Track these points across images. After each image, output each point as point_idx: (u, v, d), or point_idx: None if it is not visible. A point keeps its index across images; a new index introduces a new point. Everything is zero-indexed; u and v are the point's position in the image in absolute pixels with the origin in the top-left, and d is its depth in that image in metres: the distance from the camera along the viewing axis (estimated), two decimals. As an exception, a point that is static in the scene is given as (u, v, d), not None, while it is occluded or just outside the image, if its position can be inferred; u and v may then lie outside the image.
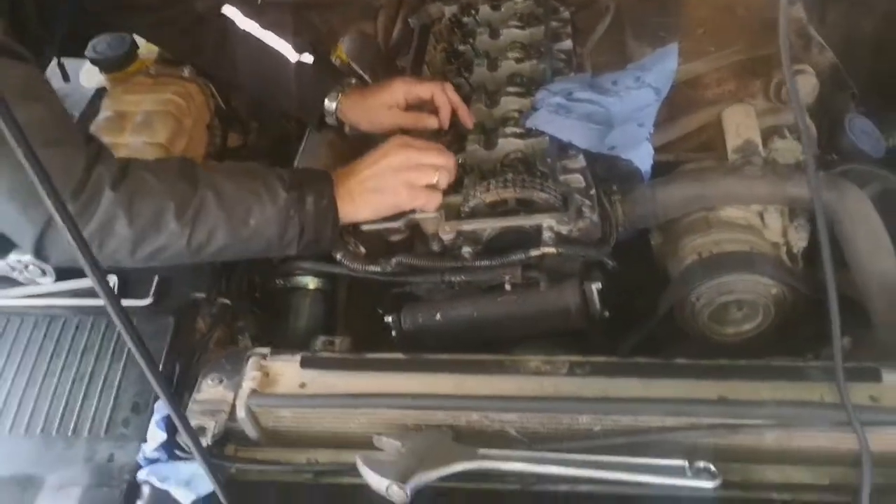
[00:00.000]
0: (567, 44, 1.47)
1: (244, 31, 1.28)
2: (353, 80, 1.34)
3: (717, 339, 1.14)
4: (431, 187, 1.10)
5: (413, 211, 1.11)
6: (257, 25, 1.28)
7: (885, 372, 0.88)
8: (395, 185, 1.07)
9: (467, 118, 1.25)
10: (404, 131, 1.26)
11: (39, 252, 0.91)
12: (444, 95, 1.24)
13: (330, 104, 1.29)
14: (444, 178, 1.11)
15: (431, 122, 1.26)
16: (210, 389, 0.94)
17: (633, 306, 1.24)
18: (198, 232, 0.94)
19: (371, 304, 1.27)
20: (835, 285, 0.80)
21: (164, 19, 1.28)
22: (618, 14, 1.59)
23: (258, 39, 1.28)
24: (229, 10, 1.29)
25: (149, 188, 0.93)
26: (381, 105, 1.26)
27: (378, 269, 1.14)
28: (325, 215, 1.02)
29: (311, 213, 1.00)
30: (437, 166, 1.10)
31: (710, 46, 1.43)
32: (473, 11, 1.59)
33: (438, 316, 1.14)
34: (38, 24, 1.09)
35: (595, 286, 1.09)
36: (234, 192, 0.97)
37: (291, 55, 1.28)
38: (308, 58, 1.29)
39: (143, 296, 1.05)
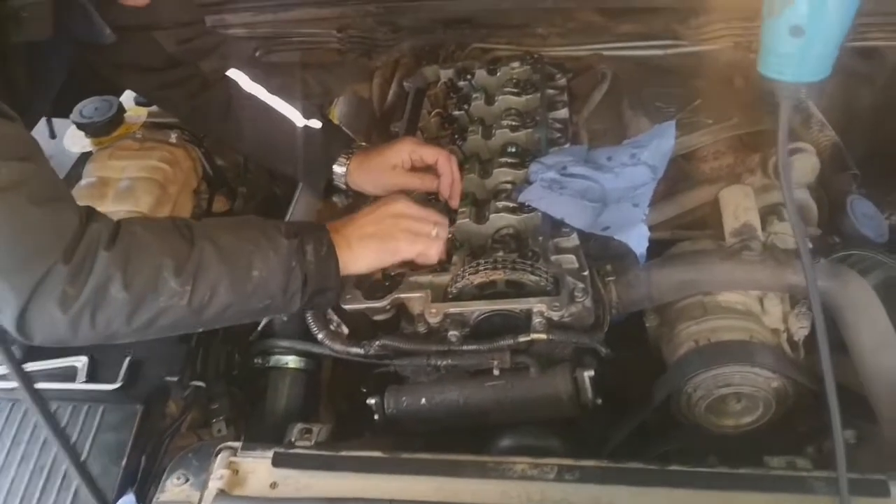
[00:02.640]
0: (563, 112, 1.45)
1: (250, 94, 1.26)
2: (363, 144, 1.31)
3: (714, 430, 1.09)
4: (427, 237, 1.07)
5: (401, 283, 1.08)
6: (263, 90, 1.26)
7: (892, 485, 0.82)
8: (394, 230, 1.04)
9: (456, 199, 1.22)
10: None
11: (22, 327, 0.81)
12: (448, 164, 1.22)
13: (339, 168, 1.27)
14: (442, 232, 1.09)
15: (435, 184, 1.23)
16: (174, 489, 0.88)
17: (626, 391, 1.19)
18: (199, 289, 0.87)
19: (355, 381, 1.22)
20: (838, 410, 0.74)
21: (169, 82, 1.26)
22: (615, 81, 1.58)
23: (264, 104, 1.26)
24: (235, 74, 1.27)
25: (144, 246, 0.86)
26: (386, 165, 1.24)
27: (360, 350, 1.10)
28: (326, 263, 0.97)
29: (312, 262, 0.95)
30: (434, 221, 1.08)
31: (707, 118, 1.41)
32: (469, 76, 1.57)
33: (423, 400, 1.10)
34: (27, 84, 1.06)
35: (587, 374, 1.04)
36: (234, 243, 0.91)
37: (299, 120, 1.26)
38: (316, 123, 1.27)
39: (112, 379, 1.00)
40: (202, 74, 1.25)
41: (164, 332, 0.90)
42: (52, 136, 1.51)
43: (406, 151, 1.22)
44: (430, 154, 1.22)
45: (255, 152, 1.38)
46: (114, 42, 1.12)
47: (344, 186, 1.29)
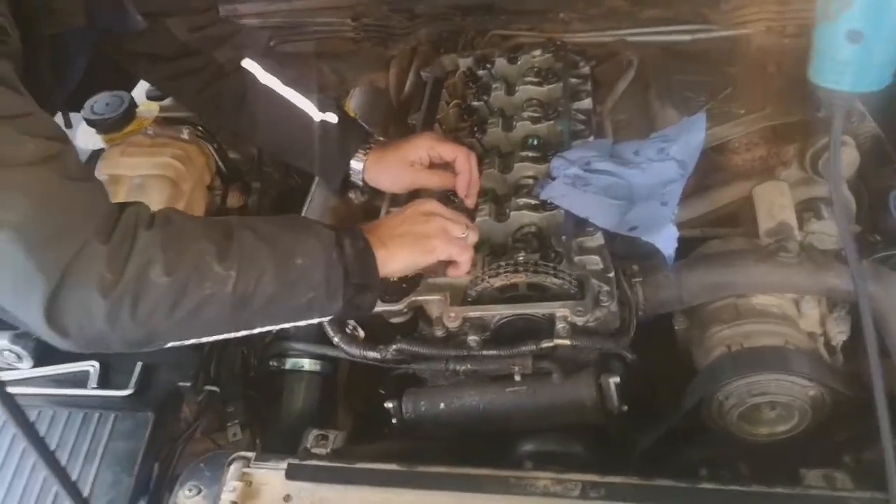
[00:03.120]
0: (586, 103, 1.39)
1: (265, 86, 1.22)
2: (380, 138, 1.26)
3: (746, 438, 1.04)
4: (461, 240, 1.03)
5: (419, 285, 1.05)
6: (279, 82, 1.22)
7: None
8: (427, 228, 1.00)
9: (473, 198, 1.18)
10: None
11: (52, 317, 0.74)
12: (467, 163, 1.17)
13: (356, 164, 1.22)
14: (472, 236, 1.05)
15: (454, 182, 1.18)
16: (187, 501, 0.86)
17: (654, 395, 1.15)
18: (244, 275, 0.81)
19: (374, 380, 1.20)
20: (889, 429, 0.69)
21: (183, 71, 1.22)
22: (641, 69, 1.52)
23: (280, 96, 1.22)
24: (250, 65, 1.23)
25: (184, 230, 0.82)
26: (404, 162, 1.20)
27: (377, 355, 1.06)
28: (364, 257, 0.92)
29: (351, 255, 0.90)
30: (466, 224, 1.05)
31: (738, 108, 1.34)
32: (489, 64, 1.52)
33: (442, 405, 1.07)
34: (51, 76, 1.04)
35: (613, 380, 1.00)
36: (273, 231, 0.88)
37: (315, 114, 1.22)
38: (332, 117, 1.22)
39: (124, 385, 0.98)
40: (216, 64, 1.22)
41: (206, 329, 0.84)
42: (69, 125, 1.48)
43: (424, 148, 1.18)
44: (448, 151, 1.17)
45: (270, 146, 1.34)
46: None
47: (361, 182, 1.25)
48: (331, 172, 1.26)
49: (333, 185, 1.28)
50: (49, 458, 0.53)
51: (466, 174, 1.16)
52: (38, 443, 0.52)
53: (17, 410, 0.50)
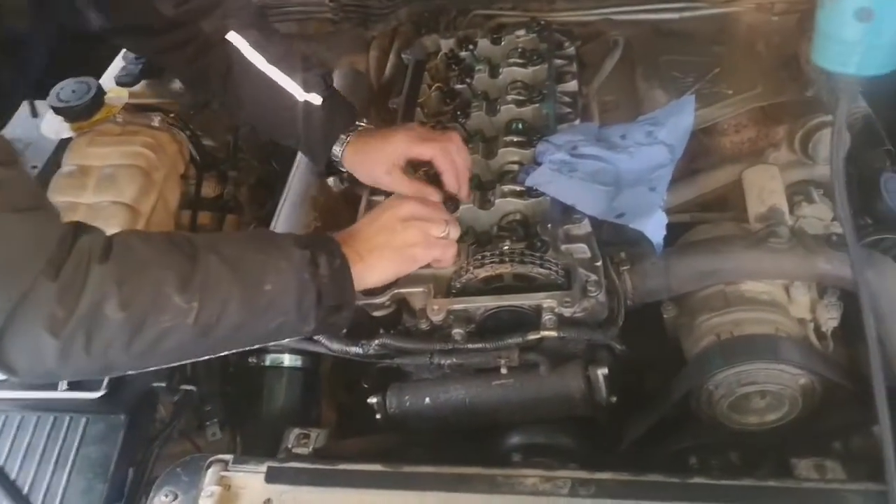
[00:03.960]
0: (572, 85, 1.35)
1: (249, 62, 1.18)
2: (362, 123, 1.22)
3: (736, 427, 1.02)
4: (442, 240, 1.00)
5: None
6: (263, 59, 1.18)
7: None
8: (406, 235, 0.96)
9: (465, 193, 1.13)
10: None
11: (1, 356, 0.72)
12: (446, 159, 1.12)
13: (337, 149, 1.18)
14: (454, 231, 1.01)
15: (432, 196, 1.11)
16: (162, 508, 0.83)
17: (642, 383, 1.13)
18: (207, 306, 0.78)
19: (357, 371, 1.17)
20: (889, 418, 0.68)
21: (170, 44, 1.18)
22: (627, 49, 1.48)
23: (264, 74, 1.18)
24: (235, 38, 1.18)
25: (142, 259, 0.78)
26: (383, 160, 1.14)
27: (359, 350, 1.03)
28: (341, 276, 0.89)
29: (326, 276, 0.86)
30: (445, 220, 1.01)
31: (727, 89, 1.32)
32: (471, 45, 1.47)
33: (427, 400, 1.04)
34: (10, 73, 0.99)
35: (601, 371, 0.98)
36: (241, 254, 0.84)
37: (299, 94, 1.17)
38: (316, 98, 1.18)
39: (95, 387, 0.94)
40: (203, 36, 1.17)
41: (166, 359, 0.81)
42: (35, 114, 1.42)
43: (401, 151, 1.13)
44: (425, 151, 1.12)
45: (257, 125, 1.30)
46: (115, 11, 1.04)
47: (343, 168, 1.21)
48: (315, 155, 1.23)
49: (319, 167, 1.25)
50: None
51: (451, 170, 1.11)
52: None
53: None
